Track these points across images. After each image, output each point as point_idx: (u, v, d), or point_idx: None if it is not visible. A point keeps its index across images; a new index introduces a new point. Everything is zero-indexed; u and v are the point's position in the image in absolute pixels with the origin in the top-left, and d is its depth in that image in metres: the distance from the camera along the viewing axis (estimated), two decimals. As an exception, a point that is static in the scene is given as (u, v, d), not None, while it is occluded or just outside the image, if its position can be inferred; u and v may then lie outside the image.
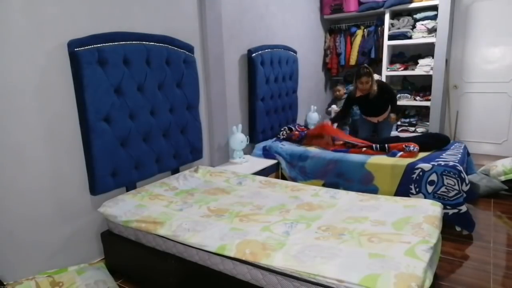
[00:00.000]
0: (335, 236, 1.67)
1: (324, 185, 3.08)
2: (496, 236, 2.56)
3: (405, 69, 4.77)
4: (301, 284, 1.45)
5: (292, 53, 4.16)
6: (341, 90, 4.92)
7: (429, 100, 4.57)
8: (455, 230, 2.61)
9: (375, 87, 3.54)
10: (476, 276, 2.10)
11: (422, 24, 4.48)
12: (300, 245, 1.59)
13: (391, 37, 4.71)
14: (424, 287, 1.35)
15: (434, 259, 1.72)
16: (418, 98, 4.75)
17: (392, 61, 4.94)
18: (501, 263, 2.23)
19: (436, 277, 1.95)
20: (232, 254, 1.60)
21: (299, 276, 1.44)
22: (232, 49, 3.39)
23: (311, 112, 4.72)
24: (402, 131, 4.91)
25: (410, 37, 4.59)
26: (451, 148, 3.15)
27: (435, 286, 1.96)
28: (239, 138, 3.26)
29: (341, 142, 3.36)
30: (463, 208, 2.51)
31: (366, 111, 3.85)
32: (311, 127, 4.70)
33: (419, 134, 3.73)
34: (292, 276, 1.46)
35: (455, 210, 2.53)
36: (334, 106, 4.86)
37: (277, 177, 3.38)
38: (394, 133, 4.92)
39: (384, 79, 4.88)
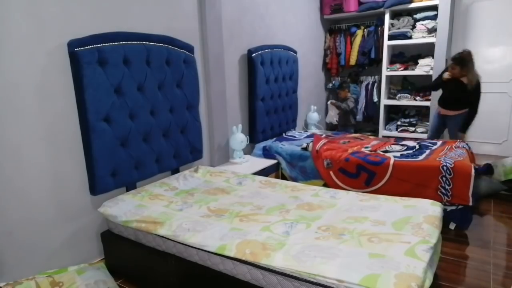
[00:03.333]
0: (335, 236, 1.67)
1: (324, 185, 3.08)
2: (496, 236, 2.56)
3: (405, 69, 4.77)
4: (301, 284, 1.45)
5: (292, 53, 4.16)
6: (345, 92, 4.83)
7: (429, 100, 4.57)
8: (455, 230, 2.61)
9: (471, 78, 3.32)
10: (476, 276, 2.10)
11: (422, 24, 4.48)
12: (300, 245, 1.59)
13: (391, 37, 4.71)
14: (424, 287, 1.35)
15: (434, 259, 1.72)
16: (418, 98, 4.75)
17: (392, 61, 4.94)
18: (501, 263, 2.23)
19: (436, 277, 1.95)
20: (232, 254, 1.60)
21: (299, 276, 1.44)
22: (232, 49, 3.38)
23: (311, 112, 4.71)
24: (402, 131, 4.91)
25: (410, 37, 4.59)
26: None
27: (435, 286, 1.96)
28: (239, 138, 3.26)
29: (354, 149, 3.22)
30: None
31: (445, 98, 3.65)
32: (311, 127, 4.71)
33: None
34: (292, 276, 1.46)
35: (453, 207, 2.54)
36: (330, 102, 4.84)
37: (277, 177, 3.38)
38: (394, 133, 4.93)
39: (384, 79, 4.88)
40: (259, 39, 3.73)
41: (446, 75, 3.52)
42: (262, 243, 1.62)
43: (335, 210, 2.01)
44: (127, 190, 2.36)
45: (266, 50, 3.64)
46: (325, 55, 5.37)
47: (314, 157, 3.19)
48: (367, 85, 5.22)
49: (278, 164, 3.42)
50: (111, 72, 2.12)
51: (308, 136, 3.93)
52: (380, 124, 5.06)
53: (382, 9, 4.69)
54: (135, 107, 2.30)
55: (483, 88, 3.91)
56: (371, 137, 3.83)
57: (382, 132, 5.05)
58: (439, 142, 3.26)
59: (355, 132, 4.39)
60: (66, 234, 2.12)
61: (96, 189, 2.13)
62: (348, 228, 1.74)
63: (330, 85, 5.52)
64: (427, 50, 4.60)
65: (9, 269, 1.84)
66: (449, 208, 2.54)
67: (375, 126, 5.21)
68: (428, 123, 4.63)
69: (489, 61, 4.46)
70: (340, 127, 4.68)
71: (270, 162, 3.36)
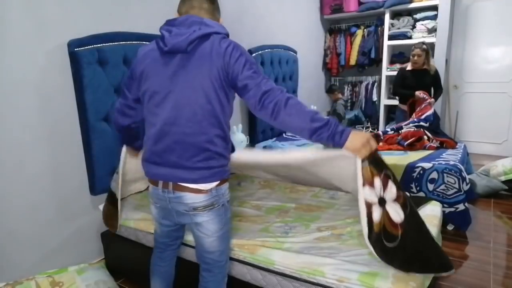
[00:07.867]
0: (335, 236, 1.67)
1: (324, 185, 3.08)
2: (496, 236, 2.56)
3: (405, 69, 4.76)
4: (301, 284, 1.45)
5: (292, 53, 4.16)
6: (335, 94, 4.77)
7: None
8: (455, 230, 2.61)
9: (432, 64, 3.70)
10: (476, 276, 2.10)
11: (422, 24, 4.48)
12: (300, 245, 1.59)
13: (391, 37, 4.71)
14: (424, 287, 1.35)
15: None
16: (418, 98, 4.74)
17: (392, 61, 4.94)
18: (501, 263, 2.23)
19: (435, 277, 1.95)
20: (231, 256, 1.60)
21: (299, 276, 1.45)
22: (232, 49, 3.37)
23: (311, 112, 4.69)
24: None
25: (410, 37, 4.59)
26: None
27: (435, 286, 1.96)
28: (239, 138, 3.26)
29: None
30: (460, 206, 2.53)
31: (407, 95, 3.73)
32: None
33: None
34: (292, 277, 1.46)
35: (452, 209, 2.54)
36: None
37: (277, 177, 3.38)
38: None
39: (384, 79, 4.88)
40: (259, 39, 3.73)
41: (410, 66, 3.72)
42: (261, 243, 1.62)
43: (334, 210, 2.01)
44: (127, 190, 2.36)
45: (266, 50, 3.64)
46: (325, 55, 5.36)
47: None
48: (367, 85, 5.23)
49: (278, 164, 3.42)
50: (111, 72, 2.12)
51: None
52: (380, 123, 5.06)
53: (382, 9, 4.68)
54: (135, 107, 2.30)
55: (483, 88, 3.93)
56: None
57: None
58: None
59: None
60: (66, 234, 2.12)
61: (96, 189, 2.13)
62: (347, 228, 1.74)
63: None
64: (427, 50, 4.59)
65: (9, 269, 1.85)
66: (447, 210, 2.54)
67: (373, 126, 5.20)
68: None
69: (489, 61, 4.46)
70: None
71: (270, 162, 3.36)
